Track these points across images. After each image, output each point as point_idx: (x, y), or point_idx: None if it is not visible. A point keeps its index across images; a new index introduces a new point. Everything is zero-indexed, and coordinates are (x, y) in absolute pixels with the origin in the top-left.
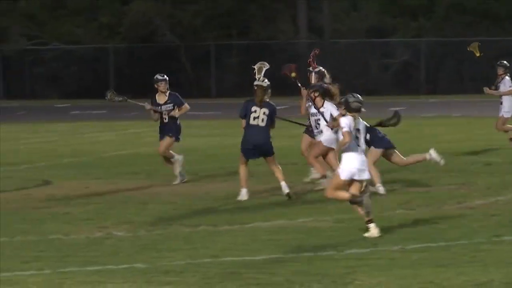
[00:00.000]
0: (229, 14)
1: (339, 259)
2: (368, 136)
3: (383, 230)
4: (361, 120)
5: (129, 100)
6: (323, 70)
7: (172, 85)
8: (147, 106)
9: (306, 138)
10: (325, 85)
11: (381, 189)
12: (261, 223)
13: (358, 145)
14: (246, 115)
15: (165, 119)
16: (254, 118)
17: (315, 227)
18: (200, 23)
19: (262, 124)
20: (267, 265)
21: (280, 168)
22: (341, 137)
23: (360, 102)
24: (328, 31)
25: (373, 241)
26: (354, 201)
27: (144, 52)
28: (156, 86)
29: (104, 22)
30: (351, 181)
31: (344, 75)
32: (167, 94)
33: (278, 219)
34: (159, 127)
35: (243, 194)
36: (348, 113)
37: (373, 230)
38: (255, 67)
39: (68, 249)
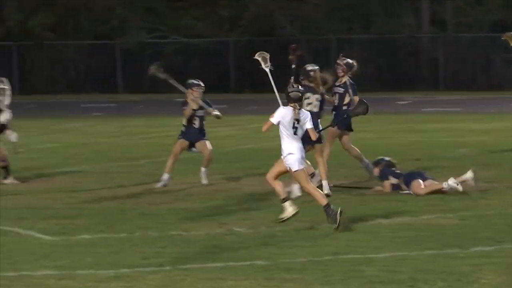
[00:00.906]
0: (350, 8)
1: (463, 257)
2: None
3: (508, 227)
4: (303, 110)
5: (171, 81)
6: (351, 61)
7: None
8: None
9: (339, 134)
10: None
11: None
12: (383, 220)
13: (296, 134)
14: None
15: (195, 124)
16: (308, 104)
17: (439, 225)
18: (321, 17)
19: (315, 110)
20: (389, 263)
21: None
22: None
23: (299, 91)
24: (451, 25)
25: (497, 238)
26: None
27: (265, 46)
28: (190, 91)
29: (224, 16)
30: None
31: (467, 69)
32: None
33: (400, 216)
34: (187, 130)
35: (295, 191)
36: (288, 103)
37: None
38: (259, 58)
39: (188, 245)
